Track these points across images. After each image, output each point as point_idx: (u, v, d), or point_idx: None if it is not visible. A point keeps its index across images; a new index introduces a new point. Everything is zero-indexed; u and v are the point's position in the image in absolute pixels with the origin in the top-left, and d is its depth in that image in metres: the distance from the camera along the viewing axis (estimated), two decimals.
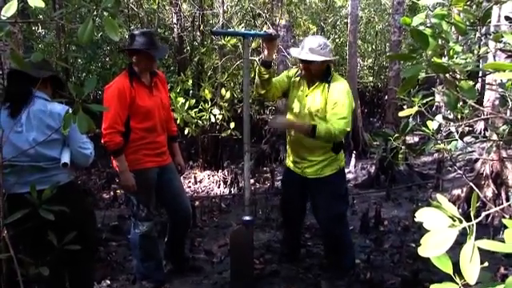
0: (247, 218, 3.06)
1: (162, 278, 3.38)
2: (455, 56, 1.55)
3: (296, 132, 3.21)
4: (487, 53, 2.53)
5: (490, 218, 4.33)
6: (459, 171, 2.54)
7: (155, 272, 3.34)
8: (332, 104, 3.06)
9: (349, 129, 3.06)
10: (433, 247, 0.90)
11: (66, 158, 2.41)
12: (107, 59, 10.97)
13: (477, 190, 1.00)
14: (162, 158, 3.26)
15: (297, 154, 3.33)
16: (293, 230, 3.72)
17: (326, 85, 3.15)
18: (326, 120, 3.07)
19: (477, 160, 5.22)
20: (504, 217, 1.23)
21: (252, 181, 6.70)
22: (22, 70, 2.39)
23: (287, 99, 3.42)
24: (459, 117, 2.27)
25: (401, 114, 1.69)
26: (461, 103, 2.08)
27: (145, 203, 3.20)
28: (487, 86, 5.02)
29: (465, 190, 4.92)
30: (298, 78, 3.32)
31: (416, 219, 0.96)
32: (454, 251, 0.99)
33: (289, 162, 3.45)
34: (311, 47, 3.10)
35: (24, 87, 2.34)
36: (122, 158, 3.01)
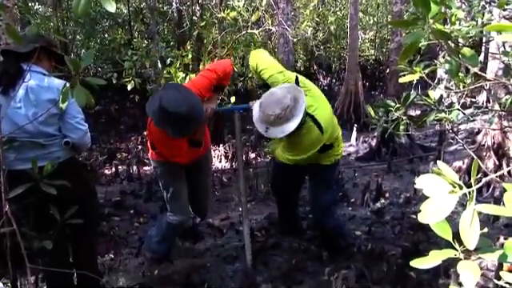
0: None
1: (168, 255, 3.42)
2: (457, 23, 1.52)
3: None
4: (491, 21, 2.49)
5: (490, 189, 4.35)
6: (460, 141, 2.53)
7: (164, 251, 3.37)
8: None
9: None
10: (433, 213, 0.89)
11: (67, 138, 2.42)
12: (106, 35, 10.88)
13: (478, 159, 0.99)
14: (189, 155, 3.00)
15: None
16: (287, 207, 3.67)
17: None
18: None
19: (478, 132, 5.20)
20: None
21: (253, 155, 6.71)
22: (8, 47, 2.37)
23: None
24: (461, 87, 2.24)
25: (402, 80, 1.66)
26: (463, 73, 2.05)
27: (176, 195, 3.13)
28: (490, 57, 4.96)
29: (466, 161, 4.92)
30: None
31: (416, 186, 0.96)
32: (455, 222, 0.99)
33: None
34: (271, 121, 2.61)
35: (11, 64, 2.31)
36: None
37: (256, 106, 2.77)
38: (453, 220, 0.91)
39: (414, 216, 4.02)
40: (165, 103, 2.47)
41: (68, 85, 1.60)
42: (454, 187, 0.92)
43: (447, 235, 0.99)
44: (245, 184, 3.23)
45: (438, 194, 0.91)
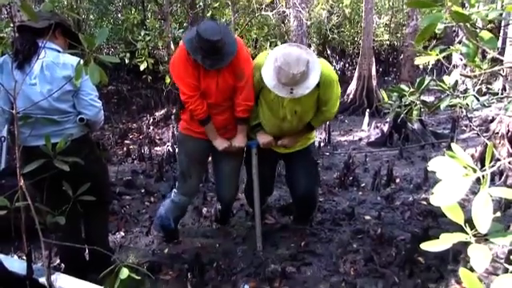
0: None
1: (177, 236, 3.46)
2: (477, 5, 1.49)
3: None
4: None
5: (503, 178, 4.32)
6: (475, 129, 2.50)
7: (172, 229, 3.38)
8: (324, 102, 2.90)
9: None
10: (446, 196, 0.88)
11: (82, 114, 2.44)
12: (119, 15, 10.86)
13: (492, 145, 0.97)
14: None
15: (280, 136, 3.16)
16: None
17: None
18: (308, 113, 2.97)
19: (492, 120, 5.13)
20: None
21: None
22: (24, 22, 2.37)
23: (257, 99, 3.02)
24: (477, 73, 2.21)
25: (417, 60, 1.64)
26: (479, 58, 2.01)
27: (184, 172, 3.17)
28: (508, 42, 4.87)
29: (479, 149, 4.88)
30: None
31: (429, 168, 0.95)
32: (466, 209, 0.98)
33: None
34: (296, 80, 2.60)
35: (27, 39, 2.31)
36: (210, 127, 2.96)
37: (268, 73, 2.70)
38: (463, 207, 0.91)
39: (425, 202, 4.01)
40: (201, 29, 2.62)
41: (82, 62, 1.61)
42: (468, 170, 0.91)
43: (459, 219, 0.99)
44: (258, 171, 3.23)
45: (451, 176, 0.90)
